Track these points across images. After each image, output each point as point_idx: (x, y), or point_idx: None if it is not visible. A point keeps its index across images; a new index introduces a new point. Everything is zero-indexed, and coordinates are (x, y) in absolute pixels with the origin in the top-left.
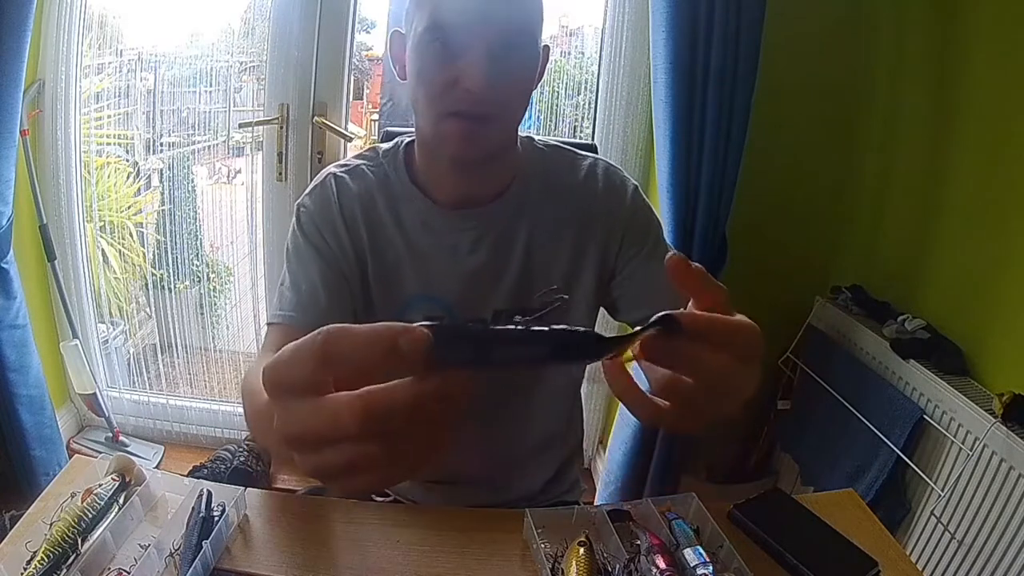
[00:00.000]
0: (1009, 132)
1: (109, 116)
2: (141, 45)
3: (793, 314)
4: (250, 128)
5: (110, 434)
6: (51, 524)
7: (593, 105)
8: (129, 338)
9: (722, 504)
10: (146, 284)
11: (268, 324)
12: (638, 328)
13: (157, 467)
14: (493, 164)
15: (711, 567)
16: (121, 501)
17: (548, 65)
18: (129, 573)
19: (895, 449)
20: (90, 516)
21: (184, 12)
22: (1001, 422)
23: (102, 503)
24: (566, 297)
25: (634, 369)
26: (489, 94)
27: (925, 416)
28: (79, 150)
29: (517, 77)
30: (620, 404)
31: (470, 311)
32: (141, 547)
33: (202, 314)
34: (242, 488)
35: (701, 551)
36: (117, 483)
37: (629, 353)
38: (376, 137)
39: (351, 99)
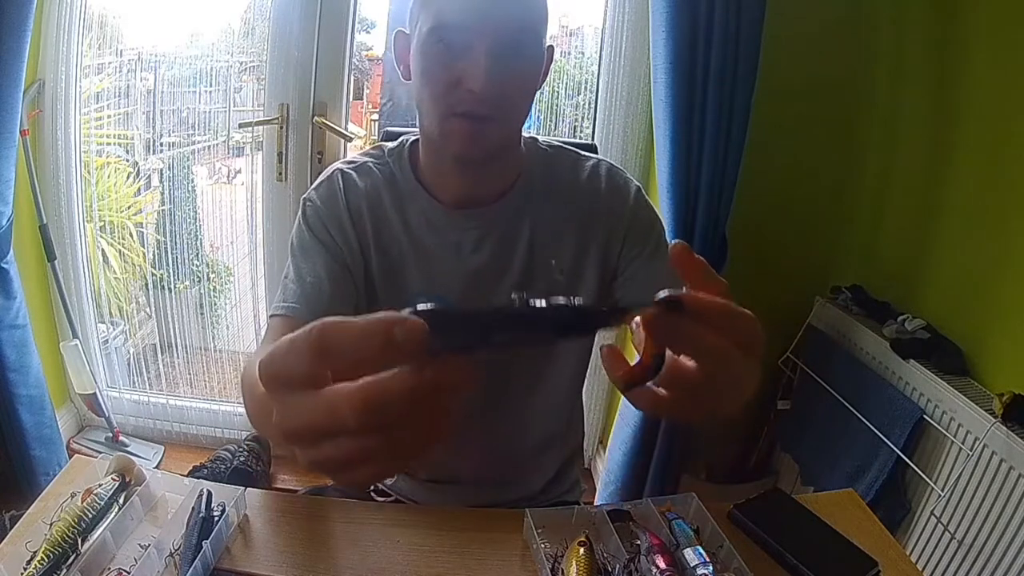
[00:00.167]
0: (1009, 132)
1: (109, 116)
2: (141, 45)
3: (793, 314)
4: (250, 128)
5: (110, 434)
6: (51, 524)
7: (593, 105)
8: (129, 338)
9: (722, 504)
10: (146, 284)
11: (271, 316)
12: (640, 304)
13: (157, 467)
14: (496, 164)
15: (711, 567)
16: (121, 501)
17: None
18: (129, 573)
19: (895, 449)
20: (90, 516)
21: (184, 12)
22: (1001, 422)
23: (102, 503)
24: (560, 278)
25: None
26: (492, 95)
27: (925, 416)
28: (79, 150)
29: (521, 78)
30: (620, 404)
31: None
32: (141, 547)
33: (202, 314)
34: (242, 488)
35: (701, 551)
36: (117, 483)
37: (631, 346)
38: (376, 137)
39: (351, 99)
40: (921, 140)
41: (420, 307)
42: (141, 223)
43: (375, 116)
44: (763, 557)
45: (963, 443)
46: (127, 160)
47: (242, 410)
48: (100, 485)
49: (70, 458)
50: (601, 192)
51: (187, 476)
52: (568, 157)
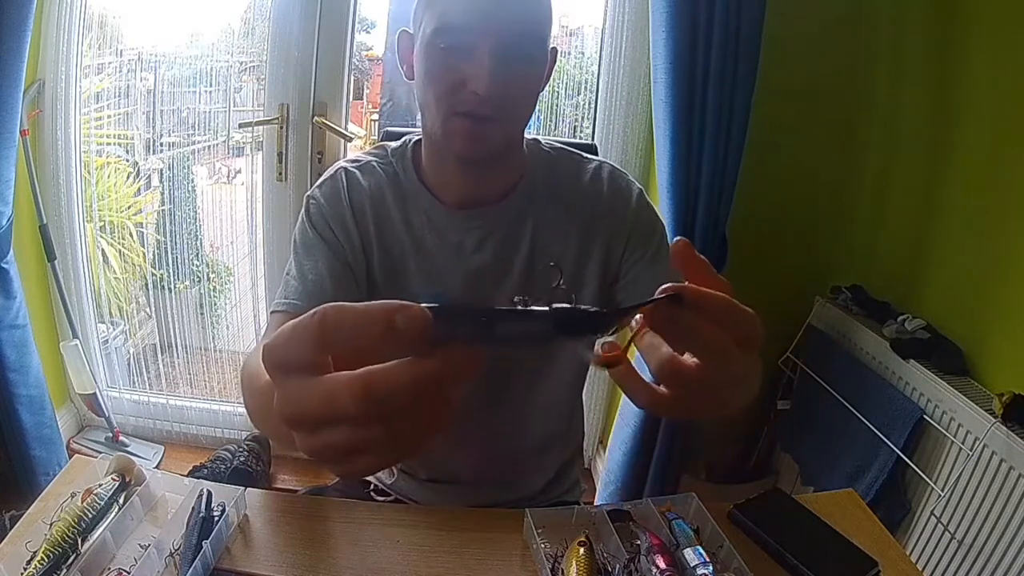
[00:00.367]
0: (1009, 132)
1: (109, 116)
2: (141, 45)
3: (793, 314)
4: (250, 128)
5: (110, 434)
6: (51, 524)
7: (593, 105)
8: (129, 338)
9: (722, 504)
10: (146, 284)
11: (272, 312)
12: (641, 301)
13: (157, 467)
14: (498, 165)
15: (711, 567)
16: (121, 501)
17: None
18: (129, 573)
19: (895, 449)
20: (90, 516)
21: (184, 12)
22: (1001, 422)
23: (102, 503)
24: (564, 287)
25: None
26: (496, 96)
27: (925, 416)
28: (79, 150)
29: (524, 80)
30: (620, 404)
31: None
32: (141, 547)
33: (202, 314)
34: (242, 488)
35: (701, 551)
36: (117, 483)
37: (632, 346)
38: (376, 137)
39: (351, 99)
40: (921, 140)
41: (423, 304)
42: (141, 223)
43: (375, 116)
44: (763, 557)
45: (963, 443)
46: (127, 160)
47: (242, 410)
48: (100, 485)
49: (70, 458)
50: (603, 195)
51: (187, 476)
52: (571, 159)
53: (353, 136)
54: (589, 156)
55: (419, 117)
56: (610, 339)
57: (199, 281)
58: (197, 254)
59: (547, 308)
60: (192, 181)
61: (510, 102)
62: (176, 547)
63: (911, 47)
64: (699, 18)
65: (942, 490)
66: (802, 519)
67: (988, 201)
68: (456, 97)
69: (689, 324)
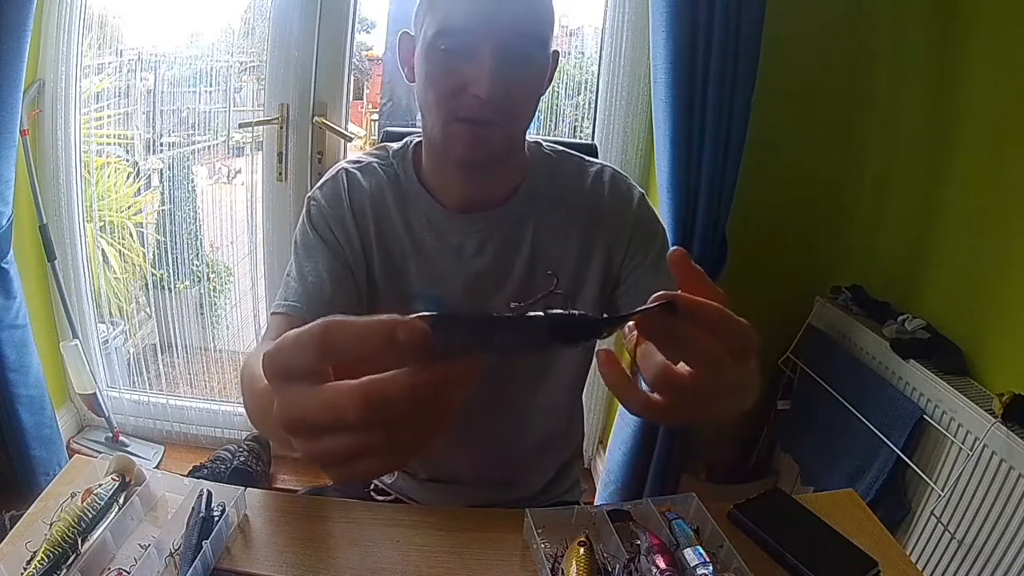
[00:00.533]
0: (1009, 132)
1: (109, 116)
2: (141, 45)
3: (793, 314)
4: (250, 128)
5: (110, 434)
6: (51, 524)
7: (593, 105)
8: (129, 338)
9: (722, 504)
10: (146, 284)
11: (272, 313)
12: (636, 309)
13: (157, 467)
14: (499, 168)
15: (711, 567)
16: (121, 501)
17: None
18: (129, 573)
19: (895, 449)
20: (90, 516)
21: (184, 12)
22: (1001, 422)
23: (102, 503)
24: (560, 292)
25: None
26: (497, 100)
27: (925, 416)
28: (79, 150)
29: (525, 84)
30: (620, 405)
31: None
32: (141, 547)
33: (202, 314)
34: (242, 488)
35: (701, 551)
36: (117, 483)
37: (627, 355)
38: (376, 137)
39: (351, 99)
40: (921, 140)
41: (422, 310)
42: (141, 223)
43: (375, 116)
44: (763, 557)
45: (963, 443)
46: (127, 160)
47: (242, 410)
48: (100, 485)
49: (70, 458)
50: (604, 198)
51: (187, 476)
52: (572, 162)
53: (353, 136)
54: (591, 159)
55: (419, 118)
56: (606, 347)
57: (199, 281)
58: (197, 254)
59: (542, 314)
60: (192, 181)
61: (512, 105)
62: (176, 547)
63: (911, 47)
64: (699, 18)
65: (942, 490)
66: (802, 519)
67: (988, 201)
68: (457, 101)
69: (682, 333)
